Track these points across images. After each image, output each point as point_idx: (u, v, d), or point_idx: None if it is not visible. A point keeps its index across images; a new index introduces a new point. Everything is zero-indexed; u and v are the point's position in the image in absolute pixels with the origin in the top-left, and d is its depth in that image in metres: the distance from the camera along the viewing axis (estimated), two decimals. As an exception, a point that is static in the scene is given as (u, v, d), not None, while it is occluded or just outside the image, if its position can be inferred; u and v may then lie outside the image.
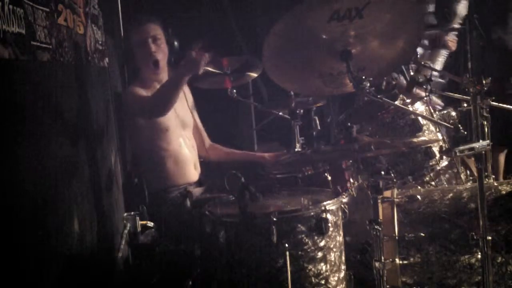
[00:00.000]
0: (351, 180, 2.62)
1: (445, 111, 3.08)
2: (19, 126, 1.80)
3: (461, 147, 1.97)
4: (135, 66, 3.16)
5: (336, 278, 2.20)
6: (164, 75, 3.10)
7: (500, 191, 2.46)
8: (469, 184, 2.91)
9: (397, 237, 2.40)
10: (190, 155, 3.17)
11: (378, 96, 2.27)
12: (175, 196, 3.04)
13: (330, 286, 2.18)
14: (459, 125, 2.02)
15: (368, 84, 2.17)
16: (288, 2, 2.09)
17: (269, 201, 2.36)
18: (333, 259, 2.19)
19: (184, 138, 3.17)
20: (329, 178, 2.86)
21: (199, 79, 3.35)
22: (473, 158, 2.04)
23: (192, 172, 3.17)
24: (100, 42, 2.92)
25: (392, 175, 2.27)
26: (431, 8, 3.86)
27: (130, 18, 3.28)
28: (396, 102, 2.80)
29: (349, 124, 2.29)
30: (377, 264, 2.13)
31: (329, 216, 2.17)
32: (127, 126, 3.17)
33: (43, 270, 1.91)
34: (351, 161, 2.56)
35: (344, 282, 2.26)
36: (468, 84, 2.13)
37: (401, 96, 2.85)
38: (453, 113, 3.07)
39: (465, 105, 3.05)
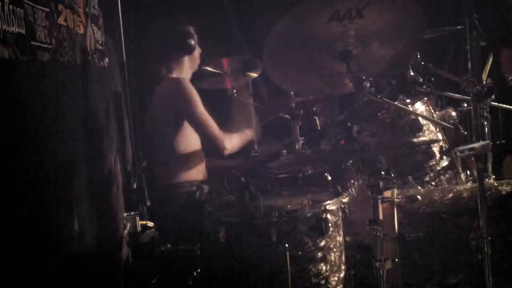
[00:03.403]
0: (351, 180, 2.63)
1: (445, 111, 3.08)
2: (19, 126, 1.80)
3: (461, 147, 1.97)
4: (174, 58, 3.28)
5: (336, 278, 2.20)
6: None
7: (500, 191, 2.46)
8: (469, 184, 2.90)
9: (397, 237, 2.40)
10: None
11: (378, 96, 2.27)
12: (186, 191, 3.11)
13: (330, 286, 2.18)
14: (459, 125, 2.02)
15: (368, 84, 2.17)
16: (288, 2, 2.08)
17: (269, 201, 2.36)
18: (333, 259, 2.19)
19: None
20: (329, 178, 2.86)
21: (199, 79, 3.37)
22: (473, 158, 2.04)
23: (204, 170, 3.29)
24: (100, 42, 2.92)
25: (392, 175, 2.27)
26: None
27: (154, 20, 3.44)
28: (396, 102, 2.79)
29: (349, 124, 2.29)
30: (377, 264, 2.13)
31: (329, 216, 2.17)
32: (168, 117, 3.17)
33: (43, 270, 1.91)
34: (351, 161, 2.55)
35: (344, 282, 2.26)
36: (468, 84, 2.13)
37: (401, 96, 2.85)
38: (453, 113, 3.07)
39: (465, 105, 3.05)
